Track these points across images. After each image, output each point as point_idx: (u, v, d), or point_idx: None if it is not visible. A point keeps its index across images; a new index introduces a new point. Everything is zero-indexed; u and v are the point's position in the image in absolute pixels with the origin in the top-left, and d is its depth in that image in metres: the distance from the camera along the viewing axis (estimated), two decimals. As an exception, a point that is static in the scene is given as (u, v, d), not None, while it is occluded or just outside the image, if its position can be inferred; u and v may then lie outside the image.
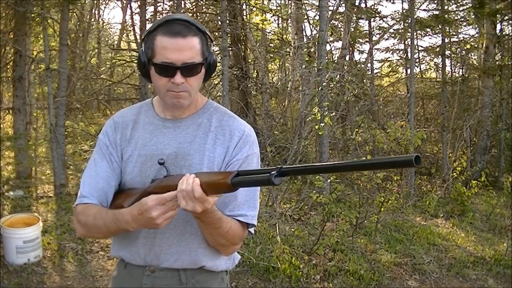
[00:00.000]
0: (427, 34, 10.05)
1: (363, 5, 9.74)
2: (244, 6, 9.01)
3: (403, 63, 10.88)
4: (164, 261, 1.40)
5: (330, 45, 9.71)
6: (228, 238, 1.35)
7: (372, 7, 9.77)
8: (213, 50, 1.38)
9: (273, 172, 1.10)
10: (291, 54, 8.87)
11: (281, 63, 10.41)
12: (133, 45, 10.77)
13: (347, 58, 9.23)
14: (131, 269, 1.44)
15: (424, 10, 9.67)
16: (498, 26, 8.63)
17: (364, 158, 5.03)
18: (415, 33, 8.77)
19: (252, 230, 1.42)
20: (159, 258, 1.39)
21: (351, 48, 9.62)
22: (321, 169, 1.24)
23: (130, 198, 1.37)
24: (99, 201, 1.39)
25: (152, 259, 1.40)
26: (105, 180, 1.40)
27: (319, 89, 5.52)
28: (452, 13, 9.41)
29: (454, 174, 6.42)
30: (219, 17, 7.21)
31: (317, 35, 6.80)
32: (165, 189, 1.27)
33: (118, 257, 1.48)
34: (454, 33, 9.78)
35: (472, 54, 10.70)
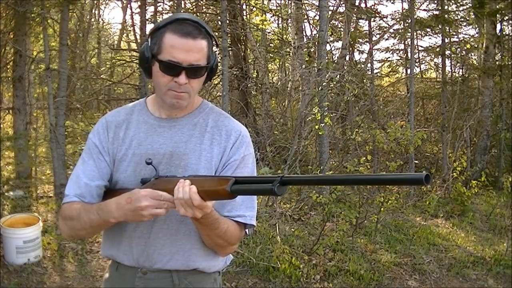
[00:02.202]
0: (427, 34, 10.06)
1: (363, 5, 9.74)
2: (244, 6, 9.01)
3: (403, 63, 10.88)
4: (156, 261, 1.39)
5: (330, 45, 9.72)
6: (226, 239, 1.35)
7: (372, 7, 9.78)
8: (215, 51, 1.37)
9: (275, 182, 1.08)
10: (291, 54, 8.85)
11: (281, 63, 10.40)
12: (133, 45, 10.79)
13: (347, 58, 9.23)
14: (123, 271, 1.43)
15: (424, 10, 9.67)
16: (498, 26, 8.62)
17: (365, 158, 5.03)
18: (415, 33, 8.77)
19: (247, 230, 1.41)
20: (151, 258, 1.39)
21: (351, 48, 9.61)
22: (323, 180, 1.23)
23: None
24: (81, 199, 1.40)
25: (145, 260, 1.39)
26: (90, 179, 1.40)
27: (319, 89, 5.52)
28: (452, 13, 9.39)
29: (454, 174, 6.42)
30: (219, 17, 7.21)
31: (317, 35, 6.79)
32: None
33: (109, 257, 1.48)
34: (454, 33, 9.77)
35: (472, 54, 10.68)
